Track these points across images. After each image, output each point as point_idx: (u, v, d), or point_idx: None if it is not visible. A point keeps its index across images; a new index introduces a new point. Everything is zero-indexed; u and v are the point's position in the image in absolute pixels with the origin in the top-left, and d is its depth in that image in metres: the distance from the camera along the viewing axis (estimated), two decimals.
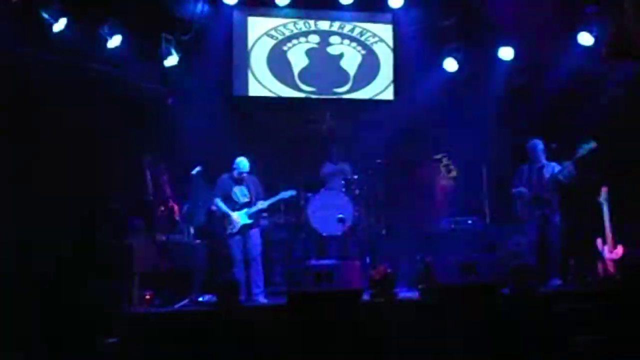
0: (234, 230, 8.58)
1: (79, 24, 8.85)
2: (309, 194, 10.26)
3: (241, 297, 7.39)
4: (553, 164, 8.81)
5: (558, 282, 8.40)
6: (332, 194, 10.21)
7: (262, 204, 8.72)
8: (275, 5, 11.27)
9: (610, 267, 8.19)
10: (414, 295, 7.65)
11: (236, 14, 11.38)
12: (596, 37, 9.95)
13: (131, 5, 9.66)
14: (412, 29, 11.61)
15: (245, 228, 8.61)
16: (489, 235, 9.86)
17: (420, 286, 7.46)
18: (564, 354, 6.65)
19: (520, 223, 9.05)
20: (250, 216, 8.62)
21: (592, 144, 8.33)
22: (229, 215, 8.63)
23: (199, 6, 10.66)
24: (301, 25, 11.72)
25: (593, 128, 9.76)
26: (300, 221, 10.31)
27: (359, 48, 11.86)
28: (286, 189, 9.29)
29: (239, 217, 8.61)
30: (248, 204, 8.68)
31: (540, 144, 8.87)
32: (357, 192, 10.46)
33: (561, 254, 8.72)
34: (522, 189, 8.78)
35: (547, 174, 8.72)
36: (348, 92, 11.73)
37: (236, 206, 8.68)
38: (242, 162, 8.76)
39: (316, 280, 7.03)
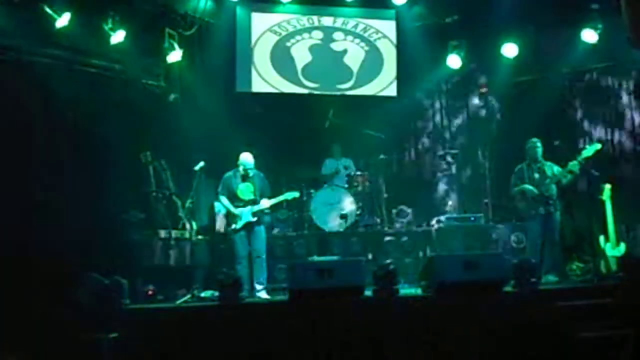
0: (238, 227, 8.57)
1: (82, 20, 8.83)
2: (312, 191, 10.27)
3: (243, 293, 7.37)
4: (550, 163, 8.78)
5: (554, 278, 8.40)
6: (334, 191, 10.22)
7: (265, 204, 8.69)
8: (279, 1, 11.27)
9: (613, 264, 8.19)
10: (416, 291, 7.63)
11: (239, 10, 11.37)
12: (600, 35, 9.91)
13: (134, 1, 9.65)
14: (415, 25, 11.61)
15: (250, 225, 8.60)
16: (491, 232, 9.86)
17: (422, 283, 7.45)
18: (566, 351, 6.63)
19: (523, 220, 9.04)
20: (254, 214, 8.61)
21: (597, 146, 8.35)
22: (233, 213, 8.62)
23: (202, 2, 10.67)
24: (305, 21, 11.71)
25: (595, 126, 9.79)
26: (303, 217, 10.33)
27: (363, 44, 11.85)
28: (289, 185, 9.31)
29: (243, 215, 8.59)
30: (253, 202, 8.66)
31: (538, 143, 8.84)
32: (359, 188, 10.47)
33: (560, 250, 8.74)
34: (527, 186, 8.73)
35: (548, 172, 8.69)
36: (351, 88, 11.72)
37: (241, 204, 8.66)
38: (246, 157, 8.74)
39: (318, 277, 7.03)
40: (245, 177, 8.73)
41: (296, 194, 9.02)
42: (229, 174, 8.80)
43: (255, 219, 8.62)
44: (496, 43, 10.75)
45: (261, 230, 8.72)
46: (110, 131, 9.27)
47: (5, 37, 8.42)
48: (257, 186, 8.73)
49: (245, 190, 8.70)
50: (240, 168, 8.71)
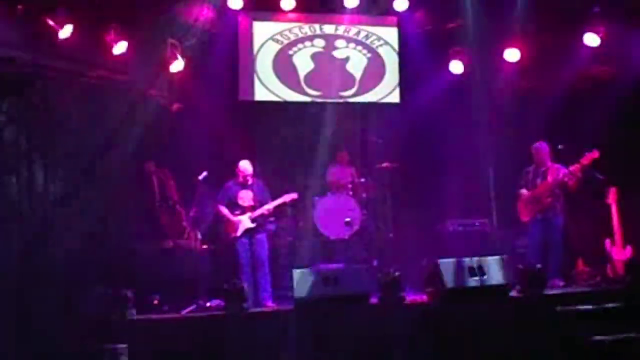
0: (238, 234, 8.59)
1: (84, 31, 8.85)
2: (316, 198, 10.26)
3: (248, 301, 7.36)
4: (558, 166, 8.78)
5: (561, 282, 8.39)
6: (338, 198, 10.21)
7: (264, 208, 8.72)
8: (281, 10, 11.27)
9: (619, 268, 8.16)
10: (421, 298, 7.62)
11: (241, 19, 11.37)
12: (602, 38, 9.88)
13: (136, 11, 9.67)
14: (417, 31, 11.59)
15: (251, 232, 8.61)
16: (496, 237, 9.83)
17: (427, 289, 7.43)
18: (573, 356, 6.61)
19: (524, 225, 9.04)
20: (253, 220, 8.62)
21: (595, 153, 8.33)
22: (231, 220, 8.64)
23: (204, 11, 10.68)
24: (306, 29, 11.71)
25: (600, 129, 9.75)
26: (307, 225, 10.31)
27: (365, 51, 11.84)
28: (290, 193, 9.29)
29: (242, 221, 8.60)
30: (252, 208, 8.68)
31: (545, 147, 8.85)
32: (363, 195, 10.46)
33: (564, 255, 8.72)
34: (523, 191, 8.77)
35: (551, 176, 8.69)
36: (354, 95, 11.69)
37: (240, 211, 8.68)
38: (244, 165, 8.79)
39: (323, 285, 7.02)
40: (244, 185, 8.76)
41: (294, 195, 9.04)
42: (230, 182, 8.88)
43: (254, 225, 8.63)
44: (498, 48, 10.73)
45: (263, 237, 8.75)
46: (113, 142, 9.28)
47: (7, 49, 8.43)
48: (256, 193, 8.76)
49: (244, 197, 8.74)
50: (239, 175, 8.74)
